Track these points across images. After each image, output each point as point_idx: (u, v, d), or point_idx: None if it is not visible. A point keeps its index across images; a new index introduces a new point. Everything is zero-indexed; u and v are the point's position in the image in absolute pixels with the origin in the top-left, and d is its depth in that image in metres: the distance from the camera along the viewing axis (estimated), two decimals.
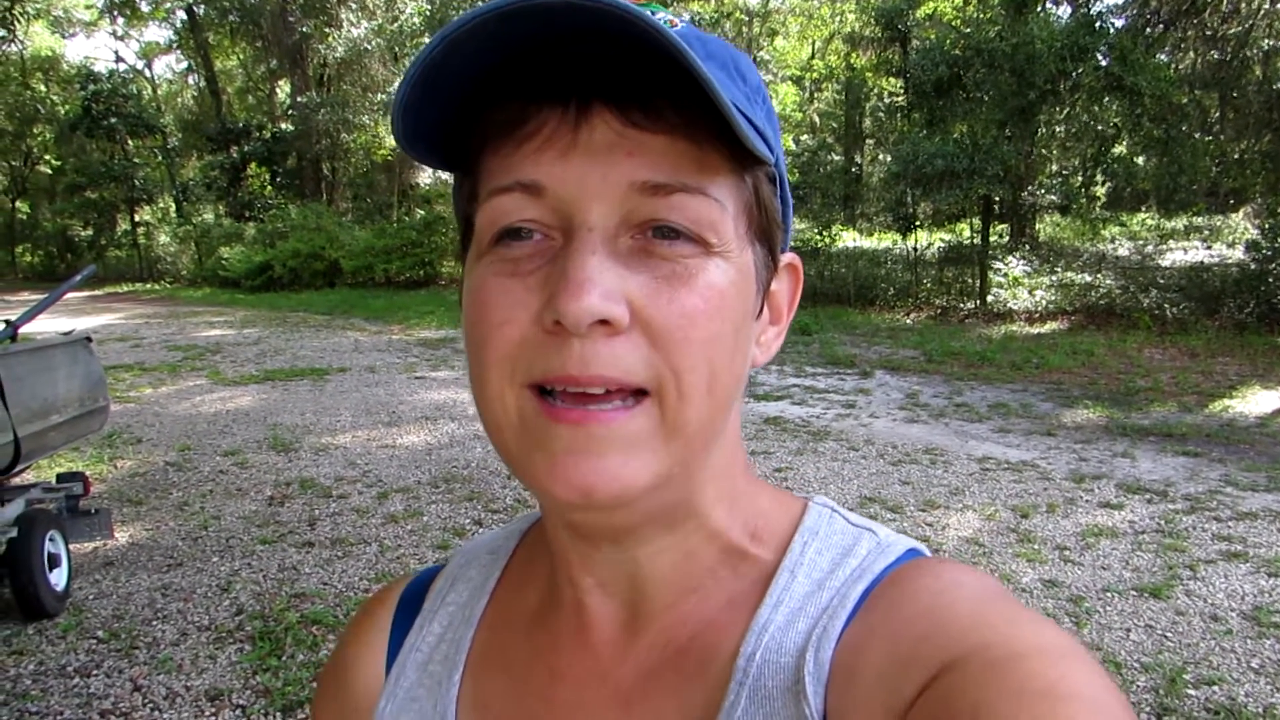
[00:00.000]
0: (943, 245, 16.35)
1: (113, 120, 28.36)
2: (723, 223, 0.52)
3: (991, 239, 16.09)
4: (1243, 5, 15.84)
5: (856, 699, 0.50)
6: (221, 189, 29.48)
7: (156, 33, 46.21)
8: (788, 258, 0.63)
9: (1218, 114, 16.88)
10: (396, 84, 0.53)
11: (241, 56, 34.56)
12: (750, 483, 0.64)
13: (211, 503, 5.95)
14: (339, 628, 4.15)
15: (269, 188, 28.50)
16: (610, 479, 0.50)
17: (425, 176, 26.74)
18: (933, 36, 16.36)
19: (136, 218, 31.75)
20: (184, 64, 38.71)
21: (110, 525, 5.11)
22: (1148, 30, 15.18)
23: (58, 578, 4.38)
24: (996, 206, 16.37)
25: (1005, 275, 15.45)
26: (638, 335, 0.50)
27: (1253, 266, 12.86)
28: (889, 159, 16.84)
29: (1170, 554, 5.01)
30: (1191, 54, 17.28)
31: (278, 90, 32.23)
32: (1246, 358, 10.86)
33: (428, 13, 25.99)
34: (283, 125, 28.99)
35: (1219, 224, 17.72)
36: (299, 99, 27.10)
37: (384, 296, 19.67)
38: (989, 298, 14.92)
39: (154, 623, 4.21)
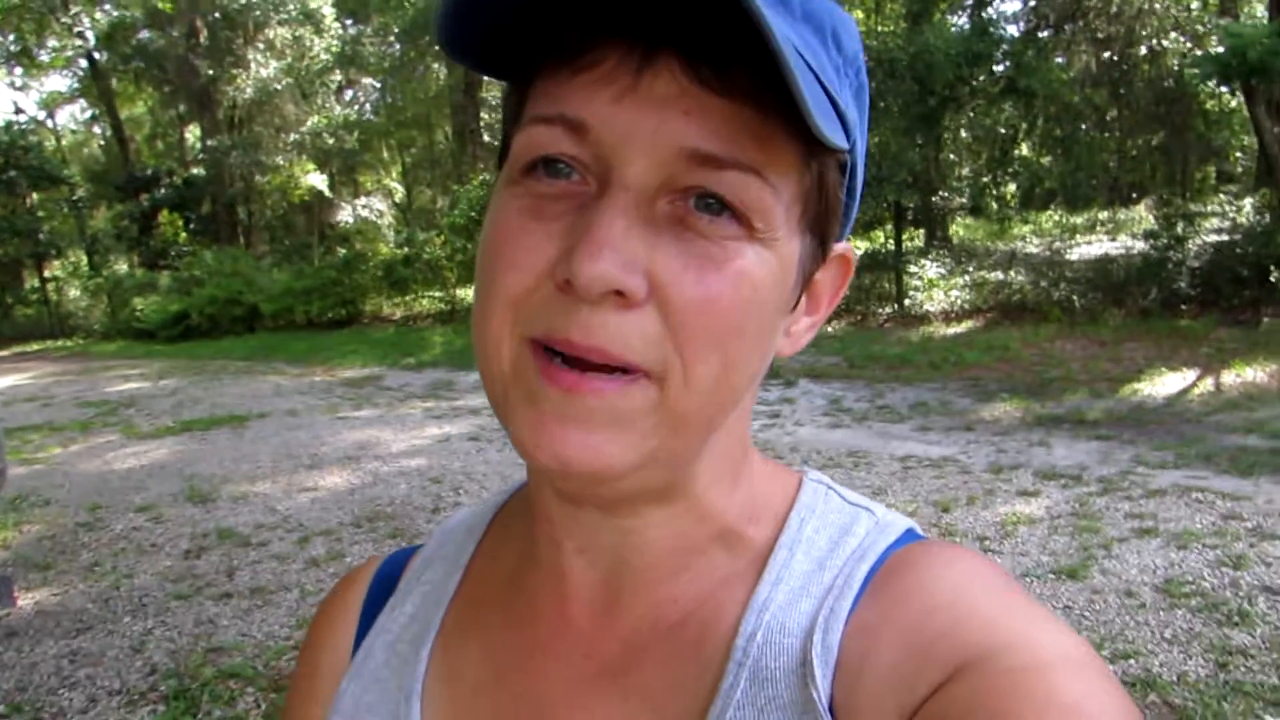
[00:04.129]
0: (859, 252, 16.57)
1: (13, 173, 27.55)
2: (774, 210, 0.48)
3: (906, 243, 16.40)
4: (1125, 7, 16.45)
5: (867, 689, 0.48)
6: (133, 238, 28.78)
7: (58, 81, 45.10)
8: (840, 248, 0.57)
9: (1113, 113, 17.46)
10: None
11: (148, 102, 33.88)
12: (747, 459, 0.60)
13: (124, 561, 5.77)
14: (258, 680, 4.05)
15: (182, 235, 27.89)
16: (591, 455, 0.47)
17: (345, 215, 26.44)
18: None
19: (45, 273, 30.85)
20: (88, 112, 37.85)
21: (12, 593, 4.93)
22: (1039, 35, 15.66)
23: None
24: (909, 212, 16.70)
25: (921, 278, 15.76)
26: (652, 312, 0.47)
27: (1153, 255, 13.30)
28: None
29: (1085, 535, 5.14)
30: (1082, 56, 17.88)
31: (187, 135, 31.66)
32: (1152, 342, 11.21)
33: (337, 50, 25.82)
34: (194, 170, 28.46)
35: (1121, 217, 18.28)
36: (209, 143, 26.64)
37: (306, 338, 19.38)
38: (906, 301, 15.20)
39: (61, 691, 4.05)
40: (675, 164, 0.46)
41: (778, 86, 0.43)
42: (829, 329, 14.78)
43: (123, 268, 29.35)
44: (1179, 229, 13.41)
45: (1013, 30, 15.94)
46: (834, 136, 0.45)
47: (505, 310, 0.49)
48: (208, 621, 4.74)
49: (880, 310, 15.29)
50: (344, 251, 23.58)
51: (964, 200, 17.53)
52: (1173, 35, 17.68)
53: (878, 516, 0.59)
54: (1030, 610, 0.49)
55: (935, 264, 16.30)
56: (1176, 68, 16.52)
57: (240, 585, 5.24)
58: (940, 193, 16.81)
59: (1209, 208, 14.86)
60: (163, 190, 28.10)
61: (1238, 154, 21.11)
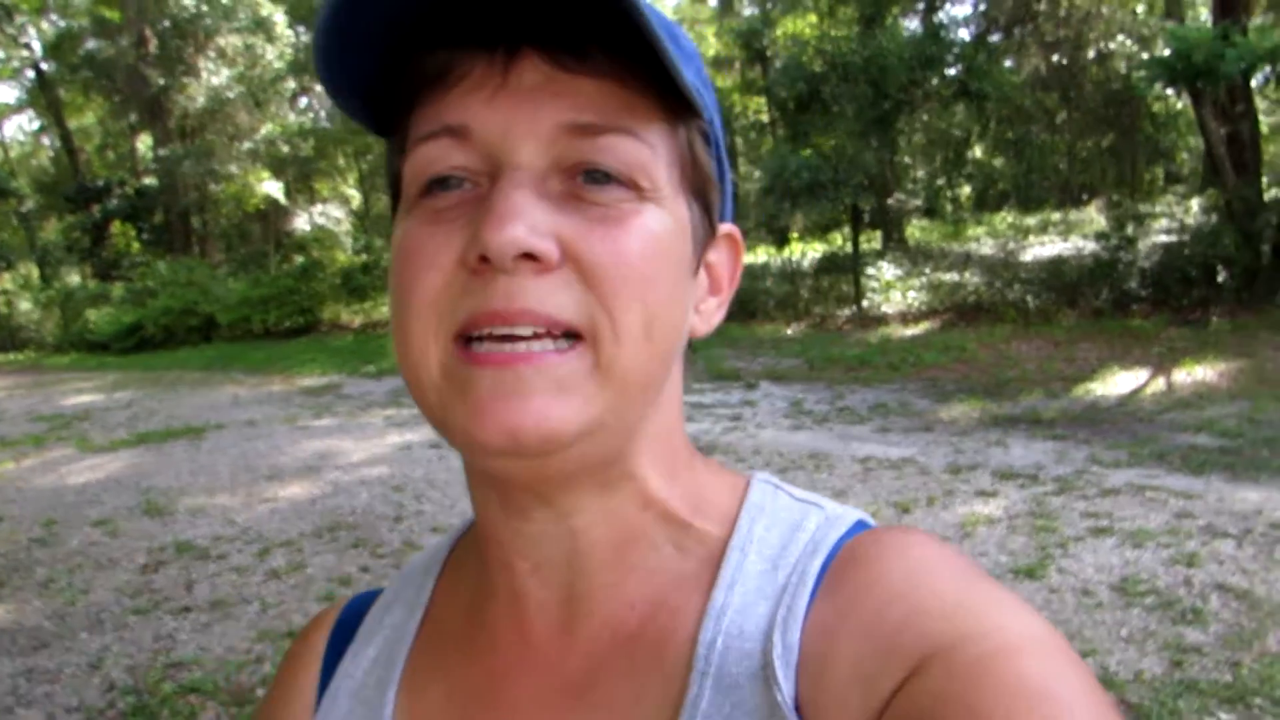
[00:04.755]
0: (817, 255, 16.74)
1: None
2: (654, 166, 0.51)
3: (863, 246, 16.55)
4: (1073, 11, 16.74)
5: (831, 687, 0.48)
6: (85, 250, 28.28)
7: (4, 92, 44.34)
8: (726, 227, 0.61)
9: (1063, 115, 17.75)
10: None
11: (97, 112, 33.32)
12: (690, 455, 0.61)
13: (80, 577, 5.67)
14: (219, 694, 4.00)
15: (135, 245, 27.47)
16: (538, 420, 0.47)
17: (301, 222, 26.18)
18: (791, 54, 16.82)
19: None
20: (36, 123, 37.16)
21: None
22: (990, 39, 15.88)
23: None
24: (866, 214, 16.85)
25: (878, 280, 15.91)
26: (569, 273, 0.48)
27: (1104, 256, 13.54)
28: (759, 174, 17.21)
29: (1043, 535, 5.21)
30: (1032, 59, 18.16)
31: (138, 144, 31.18)
32: (1104, 342, 11.40)
33: (290, 58, 25.57)
34: (146, 180, 28.03)
35: (1072, 218, 18.58)
36: (161, 152, 26.22)
37: (263, 348, 19.15)
38: (864, 303, 15.33)
39: (18, 710, 3.98)
40: (557, 142, 0.49)
41: (636, 61, 0.49)
42: (788, 331, 14.89)
43: (75, 279, 28.82)
44: (1129, 230, 13.67)
45: (964, 34, 16.16)
46: (694, 95, 0.50)
47: (426, 315, 0.50)
48: (166, 636, 4.67)
49: (839, 312, 15.42)
50: (301, 259, 23.33)
51: (919, 202, 17.74)
52: (1120, 39, 18.03)
53: (826, 511, 0.59)
54: (988, 592, 0.49)
55: (892, 266, 16.48)
56: (1124, 71, 16.83)
57: (199, 599, 5.17)
58: (896, 195, 16.99)
59: (1157, 209, 15.16)
60: (114, 201, 27.64)
61: (1184, 155, 21.55)
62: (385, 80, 0.53)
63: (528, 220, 0.47)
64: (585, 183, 0.50)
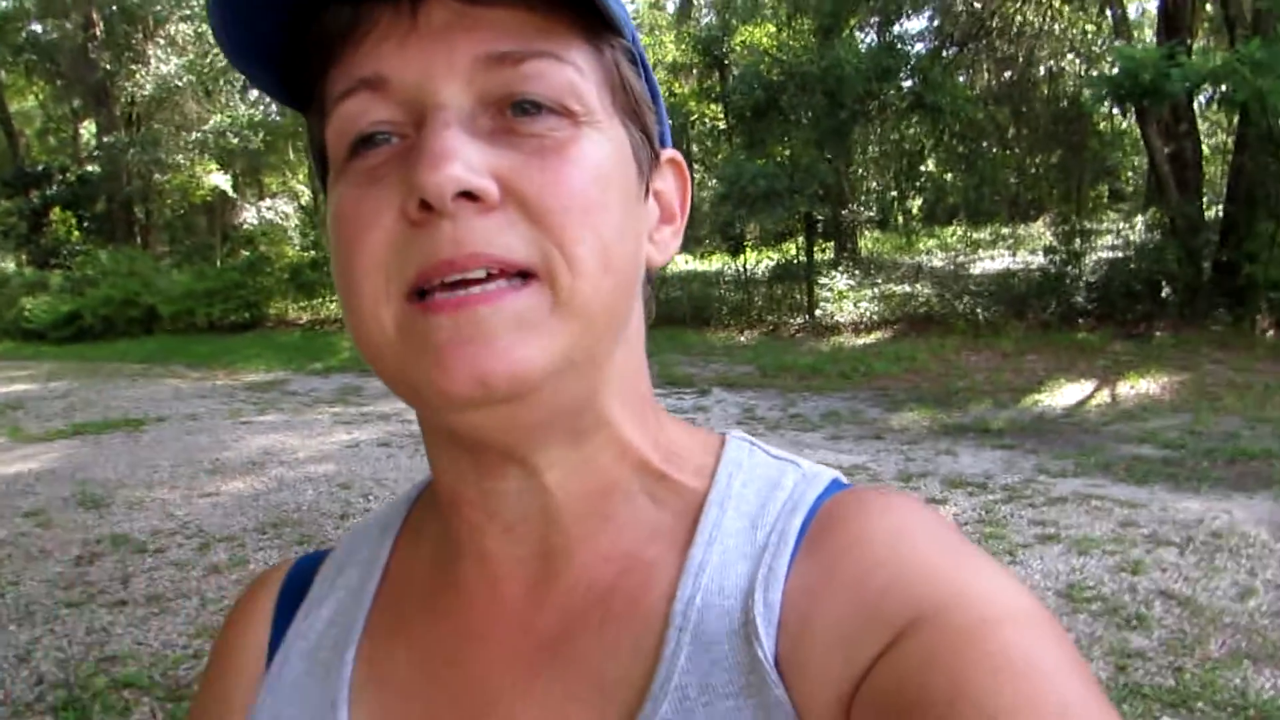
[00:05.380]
0: (771, 264, 16.84)
1: None
2: (584, 88, 0.49)
3: (817, 256, 16.69)
4: (1027, 29, 17.05)
5: (813, 648, 0.47)
6: (22, 236, 27.58)
7: None
8: (668, 153, 0.59)
9: (1013, 131, 18.06)
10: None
11: (39, 96, 32.56)
12: (658, 407, 0.60)
13: (9, 568, 5.48)
14: (154, 690, 3.88)
15: (75, 233, 26.81)
16: (506, 361, 0.45)
17: (249, 216, 25.77)
18: (749, 62, 16.91)
19: None
20: None
21: None
22: (944, 53, 16.12)
23: None
24: (820, 224, 16.99)
25: (831, 290, 16.04)
26: (513, 211, 0.46)
27: (1052, 270, 13.80)
28: (715, 182, 17.28)
29: (991, 541, 5.25)
30: (985, 74, 18.46)
31: (82, 131, 30.50)
32: (1051, 354, 11.59)
33: None
34: (89, 167, 27.42)
35: (1022, 232, 18.90)
36: (106, 139, 25.67)
37: (207, 341, 18.80)
38: (817, 312, 15.45)
39: None
40: (479, 75, 0.47)
41: None
42: (742, 339, 14.94)
43: (10, 266, 28.08)
44: (1076, 245, 13.93)
45: (919, 48, 16.37)
46: (614, 12, 0.48)
47: (374, 276, 0.47)
48: (100, 630, 4.53)
49: (792, 320, 15.52)
50: (248, 254, 22.97)
51: (872, 214, 17.91)
52: (1069, 57, 18.39)
53: (804, 468, 0.58)
54: (971, 559, 0.49)
55: (845, 276, 16.64)
56: (1072, 88, 17.18)
57: (136, 593, 5.02)
58: (850, 206, 17.14)
59: (1103, 225, 15.49)
60: (55, 187, 26.99)
61: (1129, 174, 22.04)
62: (291, 46, 0.50)
63: (461, 157, 0.45)
64: (515, 115, 0.48)
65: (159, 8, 24.42)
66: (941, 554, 0.49)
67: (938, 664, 0.43)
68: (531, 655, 0.55)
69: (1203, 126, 15.09)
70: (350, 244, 0.48)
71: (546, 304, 0.47)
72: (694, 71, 21.51)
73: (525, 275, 0.46)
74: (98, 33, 25.19)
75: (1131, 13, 19.07)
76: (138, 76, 25.00)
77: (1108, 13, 16.24)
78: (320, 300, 20.65)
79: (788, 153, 15.77)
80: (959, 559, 0.49)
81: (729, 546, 0.53)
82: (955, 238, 20.37)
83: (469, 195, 0.45)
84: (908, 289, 15.75)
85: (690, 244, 20.79)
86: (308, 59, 0.51)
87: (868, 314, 15.12)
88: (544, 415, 0.50)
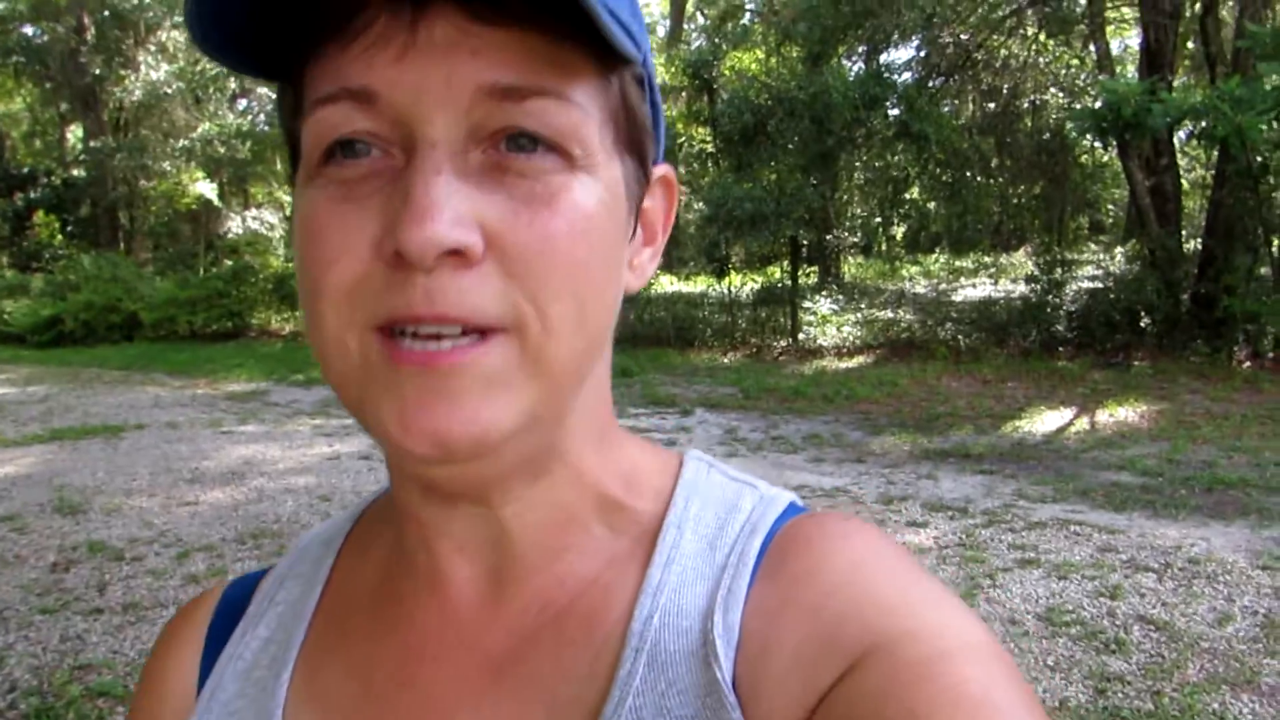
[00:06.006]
0: (756, 287, 16.93)
1: None
2: (587, 131, 0.46)
3: (801, 280, 16.77)
4: (1012, 61, 17.26)
5: (771, 671, 0.47)
6: (4, 238, 27.39)
7: None
8: (661, 170, 0.57)
9: (996, 161, 18.26)
10: None
11: (27, 98, 32.40)
12: (618, 430, 0.59)
13: None
14: (128, 699, 3.84)
15: (59, 237, 26.66)
16: (468, 424, 0.44)
17: (234, 225, 25.67)
18: (738, 87, 17.03)
19: None
20: None
21: None
22: (930, 83, 16.29)
23: None
24: (804, 249, 17.09)
25: (814, 314, 16.13)
26: (492, 265, 0.44)
27: (1032, 299, 13.92)
28: (702, 204, 17.37)
29: (972, 565, 5.27)
30: (970, 105, 18.67)
31: (69, 135, 30.37)
32: (1032, 382, 11.67)
33: None
34: (74, 171, 27.30)
35: (1003, 261, 19.09)
36: (93, 144, 25.59)
37: (189, 349, 18.68)
38: (800, 336, 15.51)
39: None
40: (477, 107, 0.44)
41: (558, 8, 0.43)
42: (726, 360, 14.97)
43: None
44: (1057, 275, 14.06)
45: (906, 76, 16.55)
46: (627, 45, 0.44)
47: (341, 304, 0.45)
48: (75, 638, 4.48)
49: (775, 343, 15.57)
50: (232, 263, 22.86)
51: (857, 239, 18.04)
52: (1053, 91, 18.62)
53: (761, 490, 0.58)
54: (929, 590, 0.49)
55: (828, 300, 16.73)
56: (1055, 121, 17.39)
57: (112, 601, 4.98)
58: (835, 231, 17.26)
59: (1084, 256, 15.65)
60: (39, 190, 26.86)
61: (1109, 206, 22.29)
62: (274, 26, 0.46)
63: (449, 212, 0.42)
64: (510, 150, 0.45)
65: (151, 14, 24.39)
66: (899, 584, 0.49)
67: (893, 695, 0.43)
68: (481, 675, 0.54)
69: (1183, 161, 15.29)
70: (320, 267, 0.46)
71: (515, 360, 0.45)
72: (683, 94, 21.62)
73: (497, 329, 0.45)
74: (88, 37, 25.12)
75: (1114, 48, 19.36)
76: (127, 82, 24.95)
77: (1091, 48, 16.49)
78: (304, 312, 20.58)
79: (774, 177, 15.87)
80: (916, 589, 0.49)
81: (687, 567, 0.53)
82: (938, 265, 20.56)
83: (453, 250, 0.43)
84: (890, 315, 15.86)
85: (675, 265, 20.89)
86: (287, 37, 0.47)
87: (851, 338, 15.20)
88: (504, 468, 0.50)
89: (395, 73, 0.44)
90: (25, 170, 28.16)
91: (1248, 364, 11.58)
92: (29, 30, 26.67)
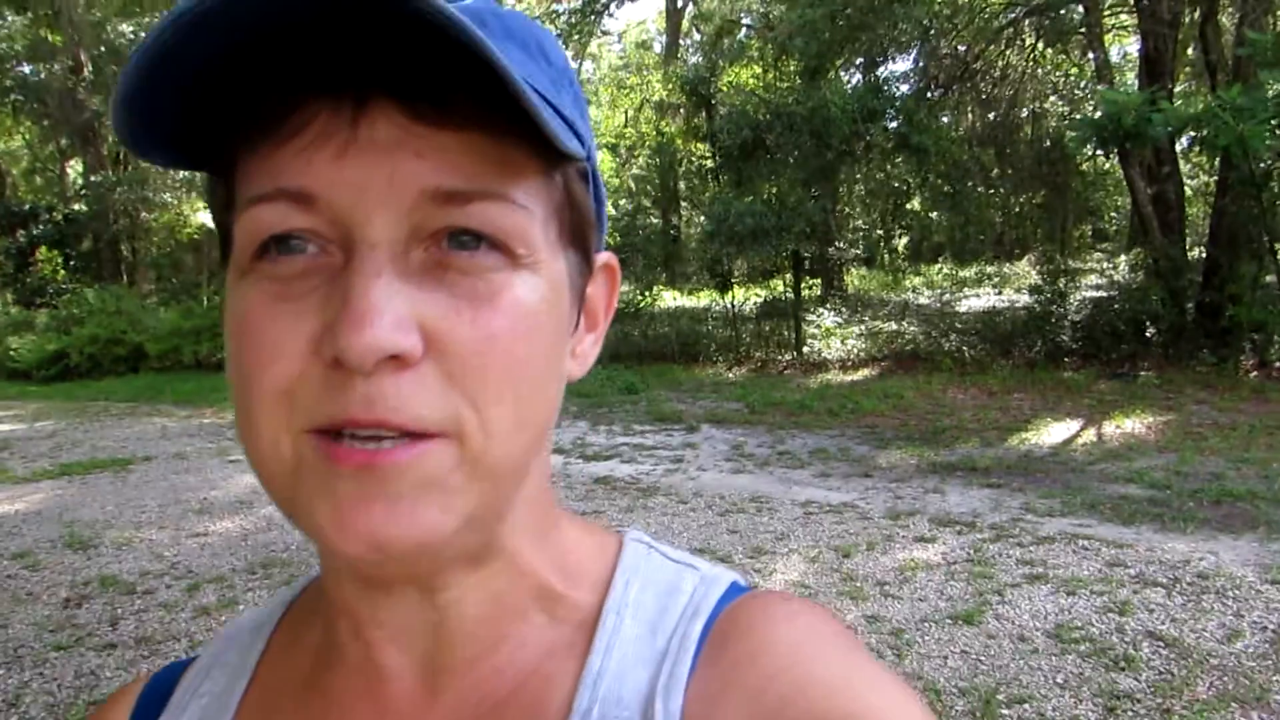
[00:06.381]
0: (759, 301, 16.97)
1: None
2: (530, 231, 0.46)
3: (804, 293, 16.80)
4: (1010, 71, 17.31)
5: None
6: (7, 275, 27.52)
7: None
8: (603, 258, 0.56)
9: (997, 171, 18.30)
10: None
11: (27, 136, 32.61)
12: (558, 514, 0.58)
13: None
14: None
15: (62, 272, 26.78)
16: (406, 527, 0.43)
17: None
18: (736, 102, 17.10)
19: None
20: None
21: None
22: (929, 94, 16.34)
23: None
24: (807, 261, 17.12)
25: (818, 327, 16.14)
26: (431, 367, 0.43)
27: (1037, 309, 13.91)
28: (703, 219, 17.42)
29: (980, 581, 5.27)
30: (969, 115, 18.72)
31: (69, 170, 30.54)
32: (1038, 393, 11.66)
33: None
34: (75, 206, 27.43)
35: (1007, 271, 19.09)
36: (93, 178, 25.74)
37: (194, 379, 18.72)
38: (805, 349, 15.52)
39: None
40: (419, 209, 0.43)
41: (502, 108, 0.42)
42: (730, 375, 14.98)
43: None
44: (1061, 284, 14.07)
45: (904, 89, 16.61)
46: (571, 145, 0.44)
47: (276, 405, 0.44)
48: (89, 673, 4.50)
49: (780, 357, 15.59)
50: None
51: (859, 252, 18.08)
52: (1052, 99, 18.66)
53: (702, 571, 0.58)
54: (872, 672, 0.49)
55: (832, 313, 16.75)
56: (1055, 130, 17.43)
57: (125, 635, 5.00)
58: (836, 244, 17.29)
59: (1088, 265, 15.65)
60: (41, 226, 26.97)
61: (1112, 214, 22.30)
62: (204, 118, 0.45)
63: (389, 315, 0.41)
64: (452, 247, 0.44)
65: None
66: (841, 666, 0.49)
67: None
68: None
69: (1185, 168, 15.31)
70: (254, 368, 0.44)
71: (454, 462, 0.44)
72: (681, 111, 21.72)
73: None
74: (85, 74, 25.30)
75: (1113, 56, 19.40)
76: None
77: (1090, 56, 16.53)
78: None
79: (775, 191, 15.92)
80: (859, 672, 0.49)
81: (627, 653, 0.52)
82: (941, 276, 20.55)
83: (392, 355, 0.42)
84: (894, 327, 15.86)
85: (679, 280, 20.91)
86: (218, 131, 0.46)
87: (855, 351, 15.21)
88: (442, 563, 0.50)
89: (334, 172, 0.43)
90: (27, 207, 28.28)
91: (1255, 373, 11.55)
92: (26, 69, 26.88)
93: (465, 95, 0.43)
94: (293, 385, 0.43)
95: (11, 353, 22.43)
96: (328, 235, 0.44)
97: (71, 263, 27.52)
